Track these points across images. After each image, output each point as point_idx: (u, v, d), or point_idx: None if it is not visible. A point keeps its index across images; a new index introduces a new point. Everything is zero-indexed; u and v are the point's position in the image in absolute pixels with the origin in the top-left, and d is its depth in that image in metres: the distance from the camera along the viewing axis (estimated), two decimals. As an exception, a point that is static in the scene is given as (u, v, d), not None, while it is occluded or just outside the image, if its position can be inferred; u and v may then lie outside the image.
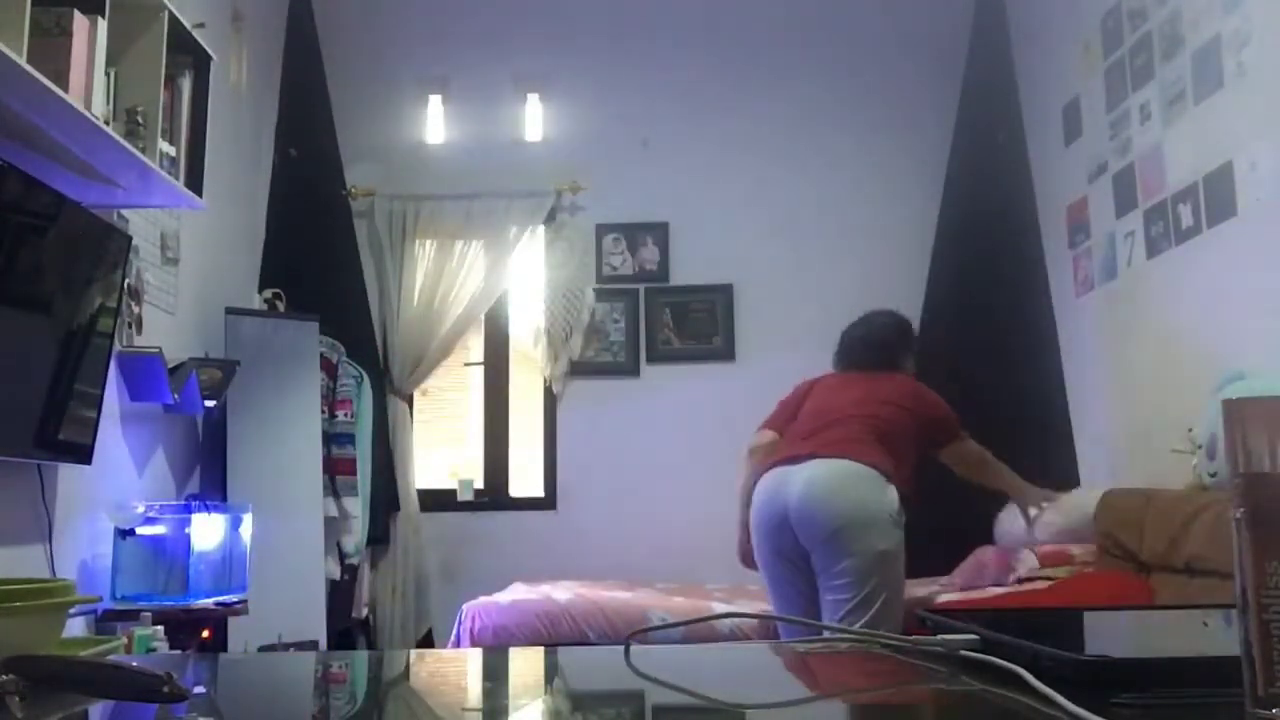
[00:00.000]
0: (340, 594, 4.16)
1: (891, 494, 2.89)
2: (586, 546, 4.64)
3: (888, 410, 3.08)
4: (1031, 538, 3.54)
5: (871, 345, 3.33)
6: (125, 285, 2.98)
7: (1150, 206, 3.58)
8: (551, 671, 1.09)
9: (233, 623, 3.38)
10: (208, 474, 3.81)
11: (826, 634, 1.38)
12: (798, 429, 3.14)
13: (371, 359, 4.64)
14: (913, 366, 3.39)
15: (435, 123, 4.99)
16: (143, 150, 2.65)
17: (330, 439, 4.14)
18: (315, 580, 3.86)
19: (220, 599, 3.15)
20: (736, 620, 3.49)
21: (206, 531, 3.20)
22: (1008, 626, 0.93)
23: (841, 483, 2.89)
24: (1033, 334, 4.45)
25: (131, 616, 2.83)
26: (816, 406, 3.17)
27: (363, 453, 4.31)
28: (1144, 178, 3.62)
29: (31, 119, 2.32)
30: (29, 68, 2.08)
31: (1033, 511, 3.38)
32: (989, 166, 4.64)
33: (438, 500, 4.83)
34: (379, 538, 4.52)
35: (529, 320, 4.96)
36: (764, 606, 3.21)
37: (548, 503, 4.85)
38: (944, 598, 3.59)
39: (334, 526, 4.09)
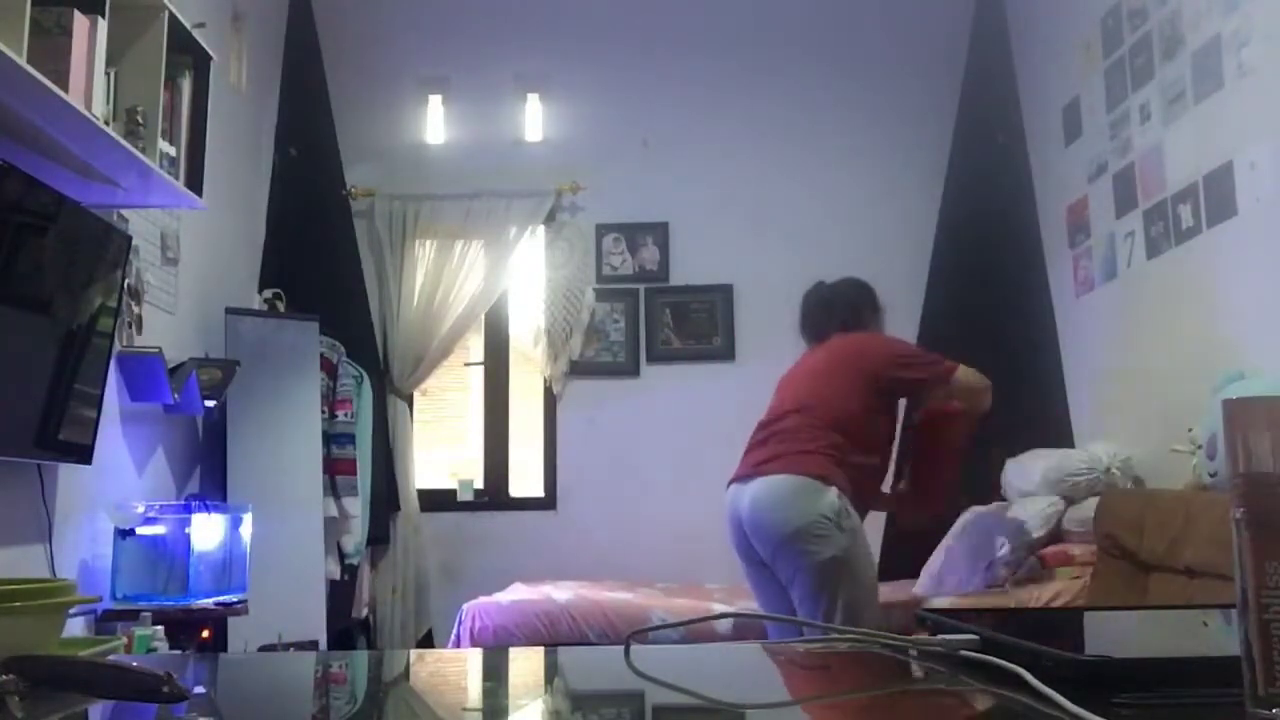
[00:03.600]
0: (340, 594, 4.16)
1: (829, 498, 2.79)
2: (586, 546, 4.64)
3: (837, 383, 2.98)
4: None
5: (828, 306, 3.22)
6: (125, 285, 2.98)
7: (1150, 206, 3.58)
8: (551, 671, 1.09)
9: (233, 623, 3.37)
10: (208, 474, 3.81)
11: (825, 634, 1.38)
12: (752, 439, 3.09)
13: (371, 359, 4.64)
14: (873, 323, 3.22)
15: (435, 123, 4.99)
16: (143, 150, 2.65)
17: (330, 439, 4.14)
18: (315, 580, 3.86)
19: (220, 599, 3.15)
20: (736, 620, 3.49)
21: (206, 531, 3.20)
22: (1008, 626, 0.93)
23: (777, 499, 2.85)
24: (1033, 334, 4.45)
25: (131, 616, 2.83)
26: (774, 405, 3.12)
27: (363, 453, 4.31)
28: (1144, 178, 3.62)
29: (31, 119, 2.32)
30: (29, 68, 2.08)
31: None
32: (989, 166, 4.63)
33: (438, 500, 4.83)
34: (379, 538, 4.52)
35: (529, 320, 4.96)
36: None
37: (548, 503, 4.85)
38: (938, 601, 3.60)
39: (334, 526, 4.09)
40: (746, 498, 2.91)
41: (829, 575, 2.77)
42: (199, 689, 0.95)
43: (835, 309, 3.21)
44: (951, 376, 3.00)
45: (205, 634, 3.17)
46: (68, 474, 2.82)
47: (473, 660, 1.48)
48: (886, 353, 3.08)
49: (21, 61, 2.05)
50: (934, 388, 3.04)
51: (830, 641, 1.16)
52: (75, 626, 2.78)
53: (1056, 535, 3.74)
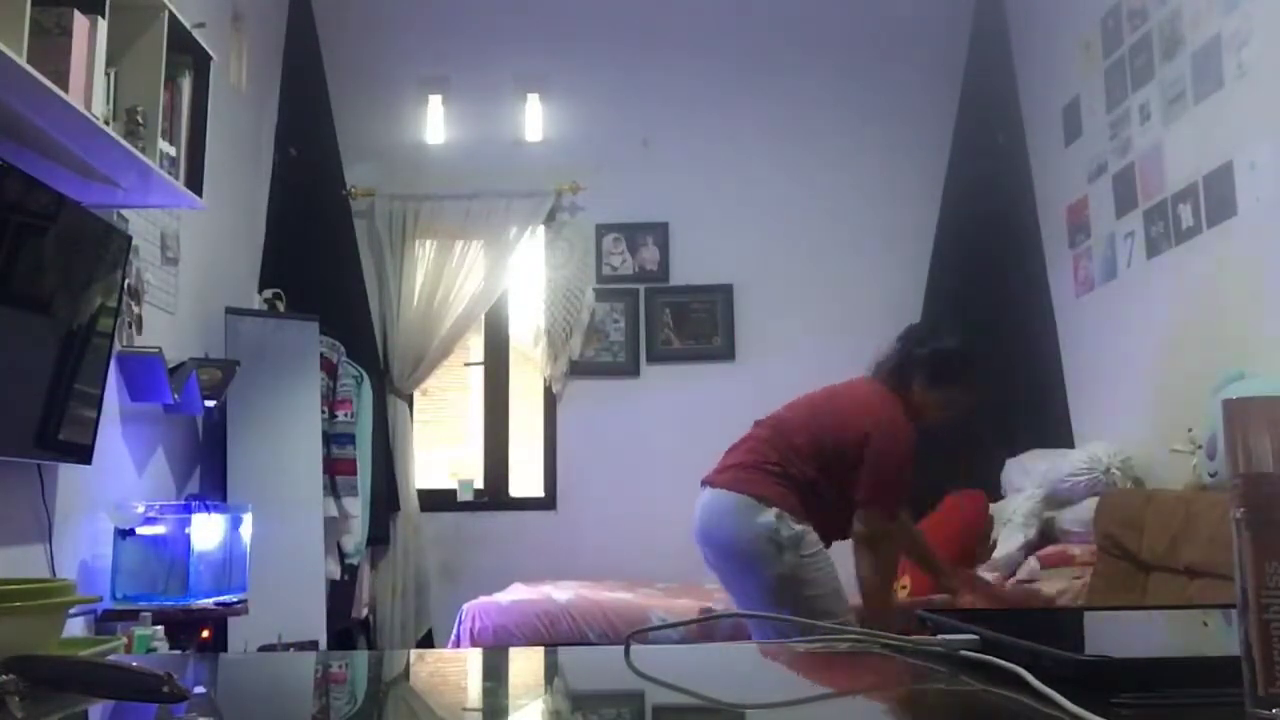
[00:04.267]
0: (340, 594, 4.16)
1: (766, 519, 2.68)
2: (586, 546, 4.64)
3: (819, 416, 2.86)
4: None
5: (893, 347, 3.01)
6: (125, 285, 2.98)
7: (1150, 206, 3.58)
8: (551, 671, 1.09)
9: (233, 623, 3.38)
10: (208, 474, 3.81)
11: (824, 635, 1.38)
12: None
13: (371, 359, 4.64)
14: (921, 392, 2.87)
15: (435, 123, 4.99)
16: (143, 150, 2.65)
17: (330, 439, 4.14)
18: (315, 580, 3.86)
19: (220, 599, 3.15)
20: (736, 620, 3.49)
21: (206, 531, 3.20)
22: (1008, 626, 0.93)
23: (718, 518, 2.78)
24: (1033, 334, 4.45)
25: (131, 616, 2.83)
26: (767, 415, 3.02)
27: (363, 453, 4.31)
28: (1144, 178, 3.62)
29: (31, 119, 2.32)
30: (29, 68, 2.08)
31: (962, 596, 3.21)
32: (989, 166, 4.63)
33: (438, 500, 4.83)
34: (379, 538, 4.52)
35: (529, 320, 4.96)
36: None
37: (548, 503, 4.85)
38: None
39: (334, 526, 4.09)
40: (699, 510, 2.86)
41: (775, 593, 2.69)
42: (199, 689, 0.95)
43: (892, 354, 2.98)
44: (868, 511, 2.78)
45: (205, 634, 3.17)
46: (68, 474, 2.82)
47: (473, 660, 1.48)
48: (870, 426, 2.79)
49: (21, 61, 2.05)
50: (858, 500, 2.80)
51: (830, 642, 1.16)
52: (75, 626, 2.78)
53: (1048, 533, 3.74)
